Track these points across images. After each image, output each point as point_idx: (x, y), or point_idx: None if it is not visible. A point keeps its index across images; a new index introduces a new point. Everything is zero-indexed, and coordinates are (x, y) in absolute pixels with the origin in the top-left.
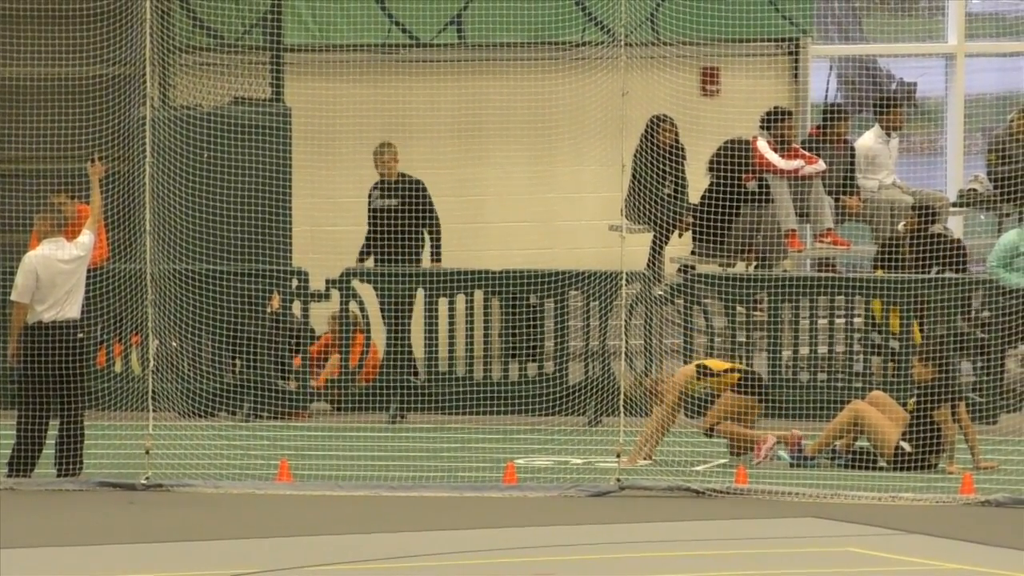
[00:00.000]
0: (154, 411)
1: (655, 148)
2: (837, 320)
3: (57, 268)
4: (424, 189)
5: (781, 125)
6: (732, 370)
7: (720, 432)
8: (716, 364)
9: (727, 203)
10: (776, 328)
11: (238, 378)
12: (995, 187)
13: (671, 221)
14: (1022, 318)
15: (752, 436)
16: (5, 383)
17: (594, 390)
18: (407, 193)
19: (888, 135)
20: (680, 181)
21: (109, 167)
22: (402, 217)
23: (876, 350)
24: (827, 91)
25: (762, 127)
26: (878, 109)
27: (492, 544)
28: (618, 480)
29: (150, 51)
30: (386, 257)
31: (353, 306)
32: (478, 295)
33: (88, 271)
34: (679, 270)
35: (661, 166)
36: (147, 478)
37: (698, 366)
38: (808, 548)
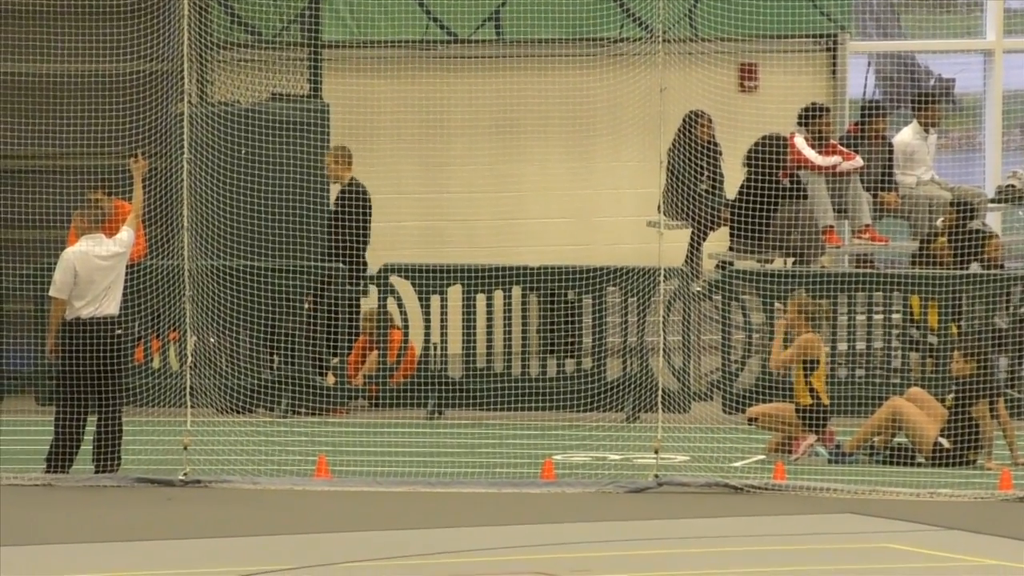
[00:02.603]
0: (192, 407)
1: (691, 144)
2: (875, 316)
3: (95, 264)
4: (367, 196)
5: (819, 121)
6: (816, 394)
7: (761, 425)
8: (819, 376)
9: (764, 199)
10: (815, 324)
11: (276, 374)
12: None
13: (709, 217)
14: None
15: (791, 433)
16: (44, 379)
17: (632, 386)
18: (353, 199)
19: (926, 131)
20: (717, 177)
21: (150, 163)
22: (349, 222)
23: (914, 346)
24: (865, 87)
25: (799, 123)
26: (916, 105)
27: (530, 540)
28: (656, 476)
29: (188, 47)
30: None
31: (390, 302)
32: (516, 291)
33: (127, 267)
34: (717, 266)
35: (697, 162)
36: (185, 474)
37: (809, 362)
38: (846, 544)
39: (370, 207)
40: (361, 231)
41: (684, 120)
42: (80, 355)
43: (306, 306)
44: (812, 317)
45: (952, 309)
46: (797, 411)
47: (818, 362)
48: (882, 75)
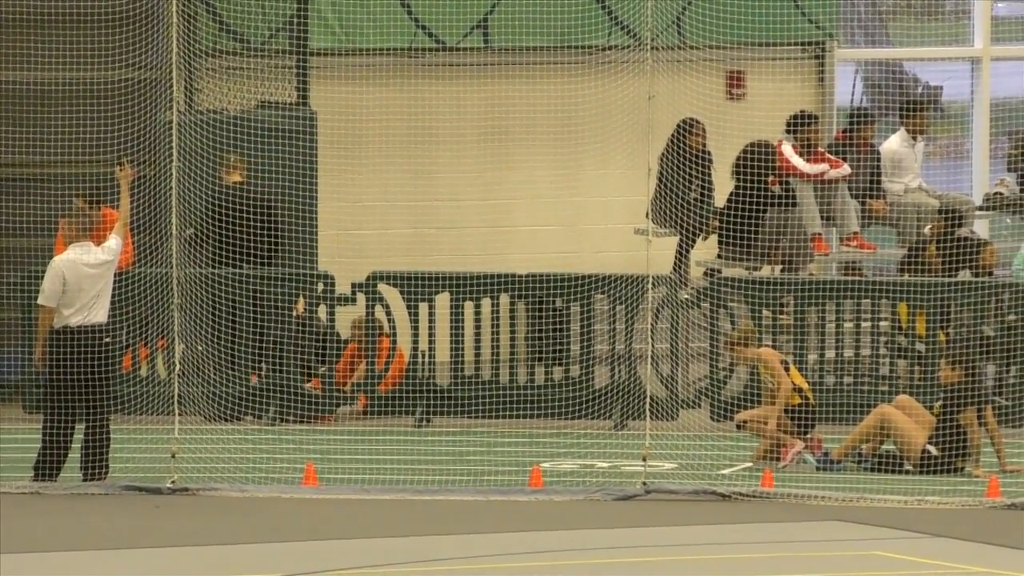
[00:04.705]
0: (180, 415)
1: (684, 152)
2: (863, 324)
3: (84, 272)
4: (253, 198)
5: (807, 129)
6: (800, 391)
7: (751, 429)
8: (795, 374)
9: (752, 207)
10: (802, 332)
11: (264, 382)
12: (1020, 188)
13: (697, 225)
14: None
15: (780, 440)
16: (31, 387)
17: (620, 394)
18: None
19: (914, 139)
20: (707, 185)
21: (137, 171)
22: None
23: (902, 354)
24: (853, 95)
25: (787, 131)
26: (904, 113)
27: (518, 548)
28: (644, 484)
29: (176, 55)
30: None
31: (379, 310)
32: (504, 298)
33: (115, 275)
34: (705, 273)
35: (689, 170)
36: (173, 482)
37: (783, 361)
38: (834, 552)
39: (263, 210)
40: (263, 234)
41: (677, 128)
42: (68, 363)
43: (295, 313)
44: (749, 339)
45: (940, 316)
46: (787, 412)
47: (787, 363)
48: (870, 83)
